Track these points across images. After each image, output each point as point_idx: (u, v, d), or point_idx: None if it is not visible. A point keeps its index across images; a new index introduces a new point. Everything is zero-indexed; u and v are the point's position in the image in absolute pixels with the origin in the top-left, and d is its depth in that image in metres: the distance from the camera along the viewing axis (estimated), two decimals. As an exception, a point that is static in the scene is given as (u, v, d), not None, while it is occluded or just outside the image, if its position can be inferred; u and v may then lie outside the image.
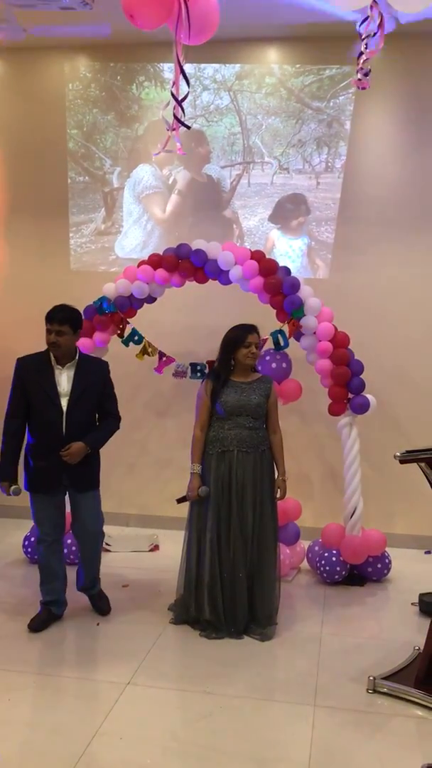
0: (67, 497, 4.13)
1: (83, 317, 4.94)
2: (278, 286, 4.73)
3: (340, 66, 5.37)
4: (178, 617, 4.21)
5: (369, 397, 4.76)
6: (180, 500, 4.16)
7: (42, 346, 3.99)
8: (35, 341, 4.08)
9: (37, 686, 3.54)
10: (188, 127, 3.57)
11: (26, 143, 5.89)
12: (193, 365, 5.19)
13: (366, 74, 3.31)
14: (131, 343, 5.10)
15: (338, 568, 4.80)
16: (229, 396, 4.07)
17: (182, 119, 3.45)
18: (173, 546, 4.53)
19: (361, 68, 3.29)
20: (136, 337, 5.09)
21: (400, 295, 5.47)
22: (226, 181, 5.71)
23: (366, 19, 3.14)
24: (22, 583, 4.76)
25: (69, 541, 4.86)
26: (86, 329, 4.97)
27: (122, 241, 5.91)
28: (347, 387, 4.74)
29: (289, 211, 5.66)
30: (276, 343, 4.86)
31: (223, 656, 3.84)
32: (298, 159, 5.61)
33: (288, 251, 5.65)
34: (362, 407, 4.74)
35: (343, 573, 4.83)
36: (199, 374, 5.11)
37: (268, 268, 4.76)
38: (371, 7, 3.07)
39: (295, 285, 4.72)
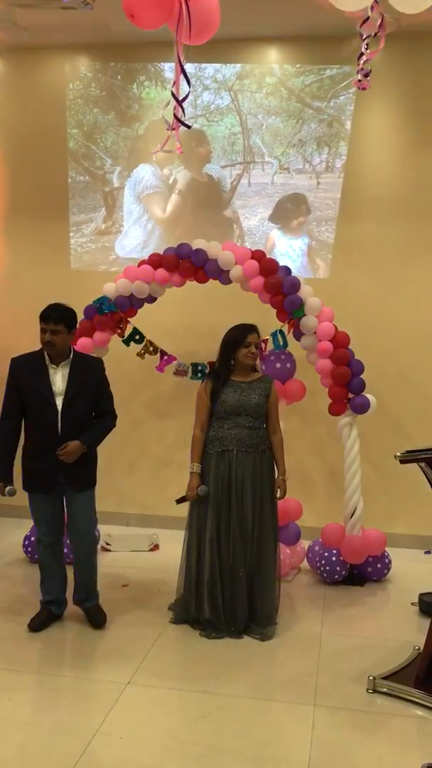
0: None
1: (84, 317, 4.98)
2: (278, 285, 4.73)
3: (340, 66, 5.37)
4: (178, 617, 4.22)
5: (369, 397, 4.76)
6: (179, 501, 4.16)
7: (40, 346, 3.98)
8: (35, 341, 4.07)
9: (37, 686, 3.55)
10: (188, 127, 3.56)
11: (27, 142, 5.89)
12: (194, 366, 5.19)
13: (366, 75, 3.31)
14: (132, 343, 5.09)
15: (338, 568, 4.80)
16: (228, 395, 4.07)
17: (182, 119, 3.45)
18: (173, 545, 4.53)
19: (362, 69, 3.28)
20: (137, 337, 5.09)
21: (400, 295, 5.47)
22: (227, 180, 5.71)
23: (367, 19, 3.13)
24: (22, 583, 4.76)
25: (69, 540, 4.86)
26: (86, 329, 4.98)
27: (122, 241, 5.91)
28: (347, 387, 4.74)
29: (289, 211, 5.66)
30: (276, 343, 4.86)
31: (223, 656, 3.85)
32: (299, 159, 5.61)
33: (288, 251, 5.65)
34: (362, 407, 4.74)
35: (343, 573, 4.84)
36: (200, 375, 5.11)
37: (268, 268, 4.76)
38: (372, 7, 3.07)
39: (296, 285, 4.72)
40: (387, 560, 4.93)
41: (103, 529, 5.43)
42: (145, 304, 5.06)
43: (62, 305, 3.93)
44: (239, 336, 4.08)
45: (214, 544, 4.03)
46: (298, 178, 5.63)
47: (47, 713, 3.31)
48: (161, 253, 4.96)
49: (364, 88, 3.40)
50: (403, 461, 3.41)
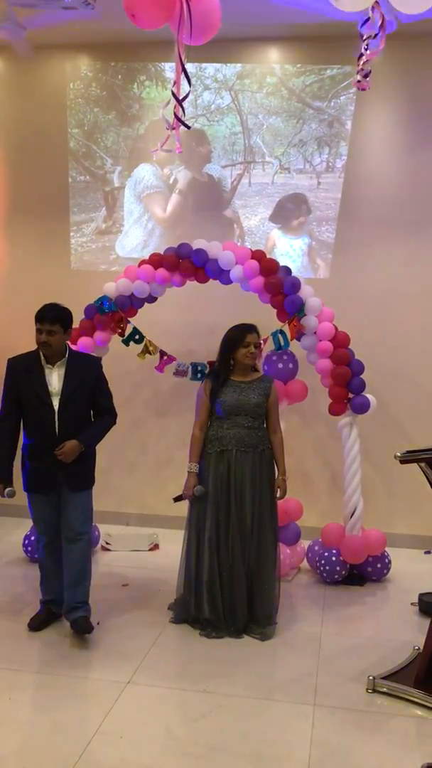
0: None
1: (84, 316, 4.98)
2: (279, 285, 4.73)
3: (341, 66, 5.37)
4: (177, 616, 4.22)
5: (369, 397, 4.77)
6: (176, 499, 4.17)
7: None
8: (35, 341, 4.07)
9: (37, 685, 3.55)
10: (188, 127, 3.57)
11: (27, 142, 5.89)
12: (194, 366, 5.19)
13: (366, 75, 3.31)
14: (132, 343, 5.10)
15: (338, 568, 4.81)
16: (228, 395, 4.07)
17: (182, 118, 3.45)
18: (173, 545, 4.54)
19: (362, 69, 3.29)
20: (137, 336, 5.09)
21: (400, 295, 5.47)
22: (227, 180, 5.71)
23: (367, 20, 3.14)
24: (22, 582, 4.76)
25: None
26: (87, 328, 4.98)
27: (123, 241, 5.91)
28: (347, 387, 4.74)
29: (289, 211, 5.66)
30: (276, 343, 4.86)
31: (222, 655, 3.85)
32: (299, 159, 5.61)
33: (288, 251, 5.65)
34: (362, 407, 4.74)
35: (343, 573, 4.84)
36: (199, 375, 5.11)
37: (268, 268, 4.76)
38: (373, 8, 3.07)
39: (296, 285, 4.72)
40: (387, 560, 4.94)
41: (103, 529, 5.44)
42: (146, 304, 5.07)
43: (57, 305, 3.90)
44: (238, 336, 4.08)
45: (213, 543, 4.04)
46: (298, 178, 5.63)
47: (47, 712, 3.31)
48: (162, 252, 4.97)
49: (363, 89, 3.40)
50: (403, 461, 3.42)
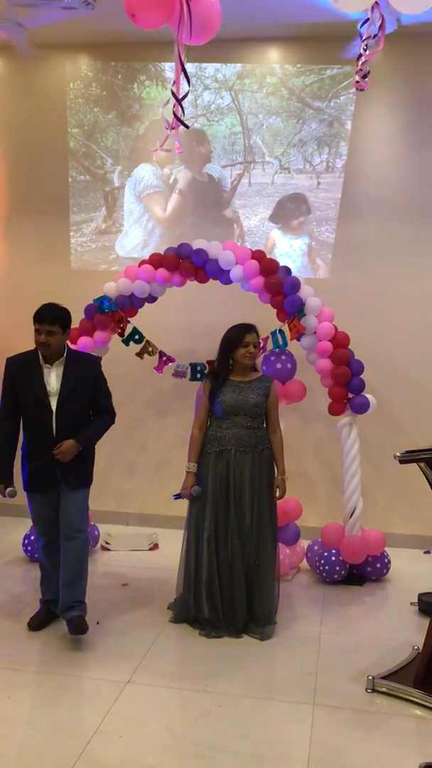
0: None
1: (84, 316, 4.98)
2: (279, 285, 4.73)
3: (341, 66, 5.37)
4: (177, 616, 4.22)
5: (369, 396, 4.77)
6: (177, 496, 4.17)
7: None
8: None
9: (36, 684, 3.55)
10: (187, 127, 3.57)
11: (27, 142, 5.89)
12: (193, 366, 5.19)
13: (364, 76, 3.31)
14: (131, 342, 5.10)
15: (337, 568, 4.81)
16: (227, 395, 4.08)
17: (182, 118, 3.45)
18: (173, 545, 4.54)
19: (360, 69, 3.29)
20: (136, 336, 5.09)
21: (400, 295, 5.47)
22: (227, 180, 5.72)
23: (367, 20, 3.14)
24: (21, 582, 4.77)
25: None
26: (87, 328, 4.98)
27: (123, 241, 5.91)
28: (347, 387, 4.74)
29: (289, 211, 5.66)
30: (275, 342, 4.87)
31: (222, 655, 3.85)
32: (299, 159, 5.61)
33: (288, 251, 5.65)
34: (362, 407, 4.74)
35: (343, 572, 4.84)
36: (199, 375, 5.11)
37: (268, 268, 4.76)
38: (372, 8, 3.07)
39: (296, 285, 4.72)
40: (386, 560, 4.94)
41: (103, 529, 5.45)
42: (146, 304, 5.07)
43: (56, 305, 3.89)
44: (237, 336, 4.08)
45: (212, 543, 4.04)
46: (298, 178, 5.63)
47: (47, 712, 3.32)
48: (162, 252, 4.97)
49: (362, 89, 3.41)
50: (402, 461, 3.42)
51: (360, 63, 3.27)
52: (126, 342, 5.08)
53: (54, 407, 3.86)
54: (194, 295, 5.36)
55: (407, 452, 3.44)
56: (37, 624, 4.08)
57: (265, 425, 4.17)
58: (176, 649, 3.99)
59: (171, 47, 3.43)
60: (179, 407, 5.53)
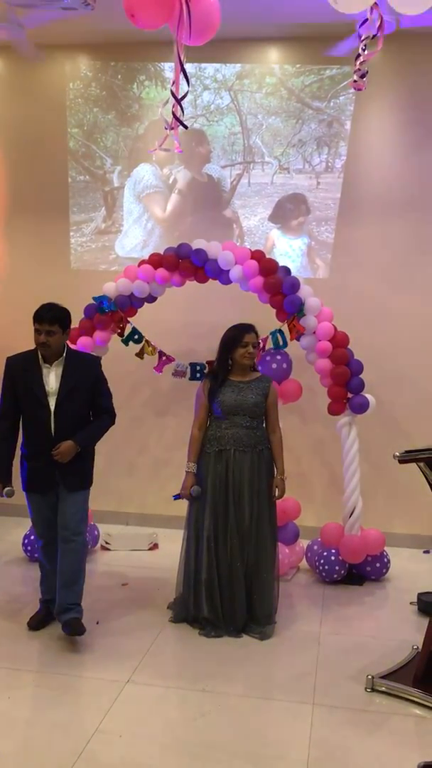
0: None
1: (84, 316, 4.98)
2: (278, 285, 4.74)
3: (340, 66, 5.38)
4: (177, 616, 4.22)
5: (368, 396, 4.77)
6: (176, 496, 4.18)
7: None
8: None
9: (36, 684, 3.55)
10: (186, 127, 3.57)
11: (27, 142, 5.89)
12: (193, 366, 5.19)
13: (362, 76, 3.31)
14: (131, 342, 5.10)
15: (337, 568, 4.81)
16: (226, 395, 4.08)
17: (181, 118, 3.45)
18: (172, 545, 4.54)
19: (358, 69, 3.29)
20: (136, 336, 5.10)
21: (399, 295, 5.48)
22: (227, 180, 5.72)
23: (366, 21, 3.14)
24: (21, 582, 4.77)
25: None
26: (86, 328, 4.99)
27: (122, 241, 5.91)
28: (347, 386, 4.75)
29: (289, 211, 5.66)
30: (275, 342, 4.87)
31: (222, 655, 3.85)
32: (299, 159, 5.61)
33: (288, 251, 5.66)
34: (361, 407, 4.75)
35: (342, 572, 4.84)
36: (198, 375, 5.11)
37: (268, 268, 4.77)
38: (371, 9, 3.07)
39: (295, 285, 4.73)
40: (386, 560, 4.94)
41: (103, 529, 5.45)
42: (145, 304, 5.07)
43: (56, 305, 3.87)
44: (236, 336, 4.08)
45: (212, 543, 4.04)
46: (297, 178, 5.63)
47: (46, 711, 3.32)
48: (161, 252, 4.97)
49: (359, 89, 3.41)
50: (402, 461, 3.42)
51: (358, 63, 3.27)
52: (125, 342, 5.08)
53: (53, 407, 3.84)
54: (194, 295, 5.36)
55: (407, 452, 3.44)
56: (36, 624, 4.08)
57: (264, 425, 4.17)
58: (176, 648, 3.99)
59: (170, 47, 3.44)
60: (179, 407, 5.54)
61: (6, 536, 5.54)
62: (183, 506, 4.24)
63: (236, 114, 5.63)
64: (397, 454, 3.41)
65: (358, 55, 3.26)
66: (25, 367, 3.90)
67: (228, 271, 4.82)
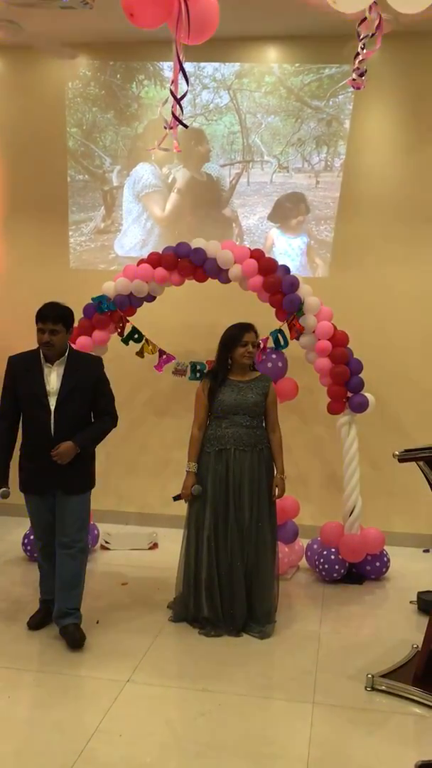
0: None
1: (83, 316, 4.98)
2: (277, 284, 4.74)
3: (339, 65, 5.37)
4: (177, 615, 4.23)
5: (368, 395, 4.77)
6: (176, 498, 4.17)
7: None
8: (35, 340, 4.06)
9: (36, 684, 3.56)
10: (186, 126, 3.56)
11: (26, 141, 5.89)
12: (193, 365, 5.19)
13: (362, 74, 3.31)
14: (131, 342, 5.10)
15: (337, 567, 4.81)
16: (226, 395, 4.08)
17: (180, 118, 3.45)
18: (172, 544, 4.54)
19: (357, 68, 3.29)
20: (135, 336, 5.09)
21: (399, 294, 5.48)
22: (226, 179, 5.72)
23: (364, 19, 3.14)
24: (21, 581, 4.77)
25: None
26: (86, 328, 4.98)
27: (122, 240, 5.91)
28: (346, 386, 4.75)
29: (288, 210, 5.66)
30: (276, 342, 4.87)
31: (221, 654, 3.86)
32: (298, 158, 5.61)
33: (287, 250, 5.66)
34: (361, 406, 4.75)
35: (342, 571, 4.85)
36: (198, 374, 5.11)
37: (267, 267, 4.77)
38: (370, 8, 3.07)
39: (294, 284, 4.73)
40: (385, 559, 4.95)
41: (103, 528, 5.45)
42: (144, 303, 5.07)
43: (59, 304, 3.83)
44: (236, 335, 4.08)
45: (212, 542, 4.05)
46: (297, 177, 5.63)
47: (46, 711, 3.32)
48: (160, 252, 4.97)
49: (358, 88, 3.40)
50: (401, 460, 3.42)
51: (357, 61, 3.27)
52: (125, 341, 5.08)
53: (53, 407, 3.80)
54: (193, 295, 5.36)
55: (406, 451, 3.45)
56: (36, 623, 4.07)
57: (264, 424, 4.17)
58: (176, 648, 3.99)
59: (169, 46, 3.43)
60: (178, 407, 5.54)
61: (6, 536, 5.54)
62: (183, 506, 4.24)
63: (235, 113, 5.63)
64: (397, 453, 3.42)
65: (357, 54, 3.25)
66: (26, 366, 3.87)
67: (227, 270, 4.82)
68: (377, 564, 4.91)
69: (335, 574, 4.83)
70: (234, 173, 5.70)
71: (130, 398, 5.76)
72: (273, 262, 4.82)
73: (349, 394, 4.77)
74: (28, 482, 3.92)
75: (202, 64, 5.54)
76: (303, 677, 3.64)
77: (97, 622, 4.14)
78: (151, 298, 5.05)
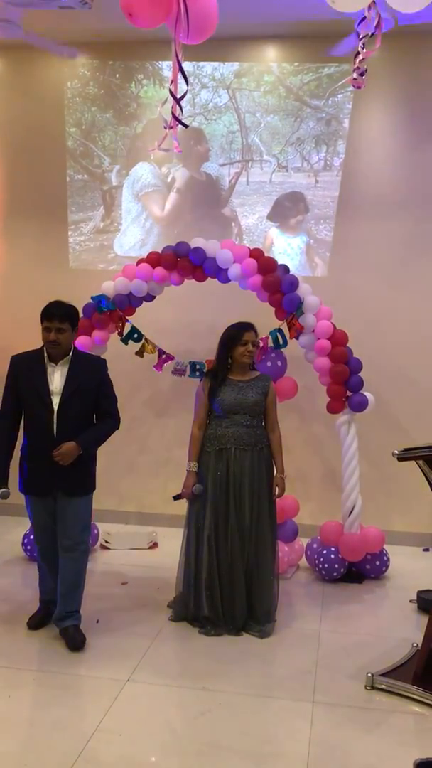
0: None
1: (83, 315, 4.97)
2: (277, 284, 4.74)
3: (338, 64, 5.38)
4: (177, 614, 4.23)
5: (367, 395, 4.78)
6: (176, 497, 4.17)
7: (40, 345, 3.89)
8: (35, 340, 4.05)
9: (36, 683, 3.56)
10: (186, 126, 3.56)
11: (25, 141, 5.89)
12: (193, 364, 5.19)
13: (362, 74, 3.31)
14: (130, 341, 5.10)
15: (337, 566, 4.82)
16: (226, 394, 4.08)
17: (180, 117, 3.45)
18: (172, 543, 4.54)
19: (357, 68, 3.28)
20: (135, 335, 5.09)
21: (398, 293, 5.48)
22: (225, 179, 5.72)
23: (364, 19, 3.14)
24: (21, 581, 4.77)
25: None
26: (85, 327, 4.98)
27: (121, 240, 5.91)
28: (346, 385, 4.75)
29: (287, 209, 5.66)
30: (275, 341, 4.87)
31: (221, 653, 3.86)
32: (297, 157, 5.61)
33: (287, 249, 5.66)
34: (361, 405, 4.75)
35: (342, 570, 4.85)
36: (198, 373, 5.11)
37: (266, 266, 4.77)
38: (369, 7, 3.07)
39: (294, 283, 4.73)
40: (385, 558, 4.95)
41: (102, 528, 5.45)
42: (144, 303, 5.07)
43: (65, 302, 3.81)
44: (236, 334, 4.09)
45: (212, 542, 4.05)
46: (296, 176, 5.63)
47: (46, 710, 3.32)
48: (160, 251, 4.97)
49: (358, 87, 3.40)
50: (401, 459, 3.42)
51: (357, 61, 3.27)
52: (125, 341, 5.08)
53: (56, 407, 3.78)
54: (192, 294, 5.36)
55: (406, 450, 3.45)
56: (36, 623, 4.07)
57: (264, 424, 4.17)
58: (176, 647, 3.99)
59: (168, 46, 3.43)
60: (178, 406, 5.54)
61: (6, 536, 5.54)
62: (183, 505, 4.24)
63: (234, 112, 5.63)
64: (397, 452, 3.42)
65: (357, 53, 3.25)
66: (29, 366, 3.84)
67: (226, 269, 4.82)
68: (377, 563, 4.91)
69: (335, 573, 4.83)
70: (233, 172, 5.70)
71: (130, 398, 5.75)
72: (272, 261, 4.82)
73: (349, 393, 4.77)
74: (27, 483, 3.89)
75: (201, 63, 5.54)
76: (303, 676, 3.64)
77: (97, 622, 4.15)
78: (150, 297, 5.05)
